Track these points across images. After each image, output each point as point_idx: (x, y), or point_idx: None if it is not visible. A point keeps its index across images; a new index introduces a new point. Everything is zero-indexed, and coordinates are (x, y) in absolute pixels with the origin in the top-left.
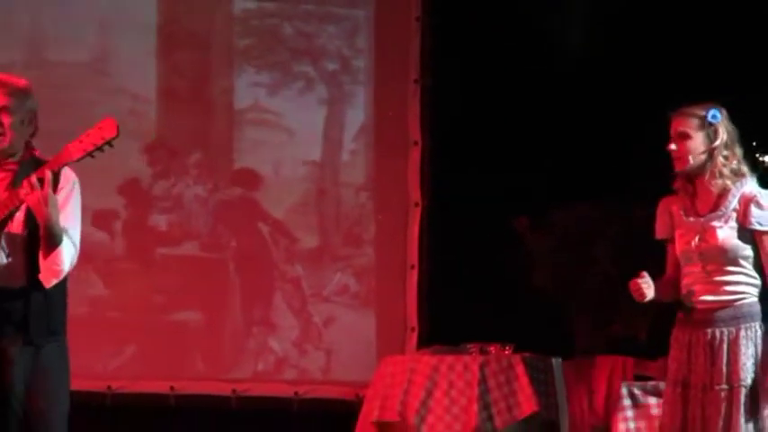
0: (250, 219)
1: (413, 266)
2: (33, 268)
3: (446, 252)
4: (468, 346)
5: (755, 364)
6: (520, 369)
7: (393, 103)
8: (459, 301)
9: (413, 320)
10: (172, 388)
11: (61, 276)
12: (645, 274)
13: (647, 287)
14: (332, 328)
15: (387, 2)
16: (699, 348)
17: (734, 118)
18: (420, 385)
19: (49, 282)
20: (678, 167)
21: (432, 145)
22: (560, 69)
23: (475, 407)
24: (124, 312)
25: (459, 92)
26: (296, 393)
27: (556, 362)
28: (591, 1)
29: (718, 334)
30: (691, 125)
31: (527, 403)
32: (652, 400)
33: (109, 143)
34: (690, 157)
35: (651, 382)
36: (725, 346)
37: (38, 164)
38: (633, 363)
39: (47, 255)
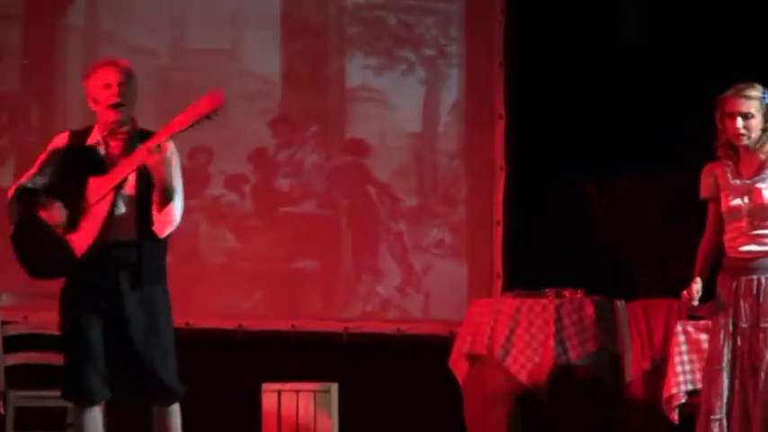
0: (360, 182)
1: (498, 222)
2: (144, 223)
3: (526, 210)
4: (546, 290)
5: None
6: (590, 310)
7: (481, 82)
8: (538, 251)
9: (498, 268)
10: (293, 326)
11: (175, 226)
12: (695, 289)
13: (695, 298)
14: (429, 275)
15: None
16: (746, 292)
17: None
18: (504, 324)
19: (164, 231)
20: (741, 142)
21: (514, 118)
22: (622, 52)
23: (551, 342)
24: (253, 262)
25: (537, 72)
26: (398, 330)
27: (620, 304)
28: None
29: (764, 280)
30: (753, 106)
31: (596, 339)
32: (702, 336)
33: (215, 113)
34: (753, 134)
35: (702, 321)
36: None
37: (142, 133)
38: (687, 304)
39: (161, 209)
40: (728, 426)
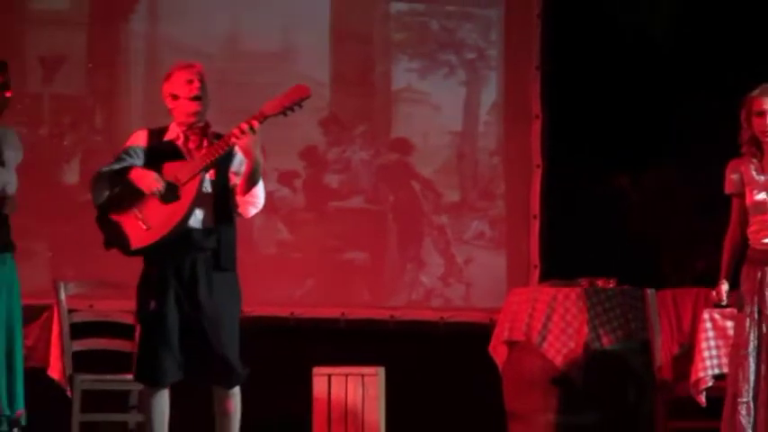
0: (404, 178)
1: (535, 216)
2: (222, 210)
3: (561, 204)
4: (580, 280)
5: None
6: (621, 298)
7: (518, 84)
8: (572, 243)
9: (535, 259)
10: (342, 313)
11: (260, 207)
12: (723, 290)
13: (724, 300)
14: (470, 266)
15: (513, 3)
16: None
17: None
18: (541, 311)
19: (249, 212)
20: (767, 138)
21: (549, 118)
22: (651, 54)
23: (585, 328)
24: (304, 253)
25: (571, 75)
26: (441, 318)
27: (650, 292)
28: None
29: None
30: None
31: (627, 326)
32: (728, 323)
33: (301, 102)
34: None
35: (727, 309)
36: None
37: (216, 134)
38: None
39: (247, 191)
40: (755, 408)
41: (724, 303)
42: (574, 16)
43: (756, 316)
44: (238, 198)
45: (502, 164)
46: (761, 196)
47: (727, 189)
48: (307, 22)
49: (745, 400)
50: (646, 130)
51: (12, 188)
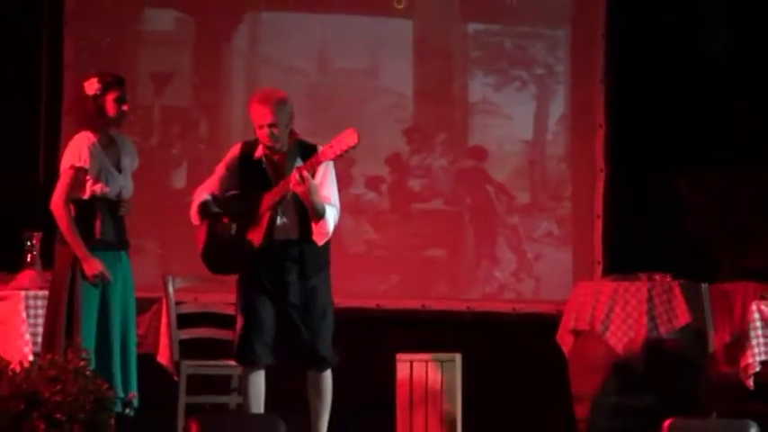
0: (480, 182)
1: (598, 216)
2: (304, 225)
3: (623, 206)
4: (639, 274)
5: None
6: (677, 291)
7: (584, 97)
8: (633, 241)
9: (599, 256)
10: (423, 305)
11: (329, 236)
12: None
13: None
14: (540, 262)
15: (579, 24)
16: None
17: None
18: (604, 303)
19: (321, 240)
20: None
21: (612, 127)
22: (707, 66)
23: (644, 319)
24: (389, 250)
25: (632, 88)
26: (513, 309)
27: (704, 286)
28: (727, 16)
29: None
30: None
31: (683, 316)
32: None
33: (352, 148)
34: None
35: None
36: None
37: (301, 146)
38: (761, 287)
39: (317, 223)
40: None
41: None
42: (635, 34)
43: None
44: (312, 226)
45: (568, 169)
46: None
47: None
48: (392, 40)
49: None
50: (702, 137)
51: (127, 192)
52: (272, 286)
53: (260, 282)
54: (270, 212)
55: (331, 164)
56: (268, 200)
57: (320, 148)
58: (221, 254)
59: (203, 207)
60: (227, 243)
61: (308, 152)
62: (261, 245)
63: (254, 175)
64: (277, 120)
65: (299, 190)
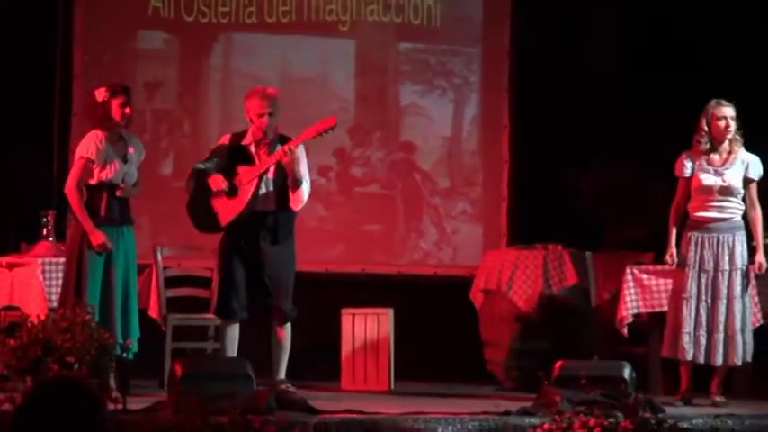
0: (409, 171)
1: (504, 198)
2: (281, 199)
3: (524, 189)
4: (536, 244)
5: (746, 255)
6: (567, 258)
7: (492, 102)
8: (531, 218)
9: (504, 230)
10: (362, 269)
11: (304, 203)
12: (675, 255)
13: (676, 260)
14: (457, 235)
15: (489, 43)
16: (708, 244)
17: None
18: (508, 268)
19: (296, 207)
20: (726, 136)
21: (515, 127)
22: (592, 78)
23: (540, 280)
24: (336, 225)
25: (531, 95)
26: (435, 273)
27: (588, 254)
28: (610, 37)
29: (722, 237)
30: (734, 114)
31: (571, 277)
32: (644, 276)
33: (331, 129)
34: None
35: (644, 266)
36: (728, 244)
37: (281, 137)
38: (634, 254)
39: (294, 192)
40: (695, 336)
41: (674, 262)
42: (534, 51)
43: (697, 269)
44: (290, 195)
45: (480, 160)
46: (709, 181)
47: (681, 173)
48: (338, 56)
49: (686, 330)
50: (586, 133)
51: (130, 178)
52: (248, 251)
53: (238, 247)
54: (255, 182)
55: (303, 151)
56: (252, 171)
57: (303, 130)
58: (208, 216)
59: (196, 168)
60: (210, 200)
61: (286, 142)
62: (239, 213)
63: (241, 158)
64: (274, 110)
65: (285, 160)
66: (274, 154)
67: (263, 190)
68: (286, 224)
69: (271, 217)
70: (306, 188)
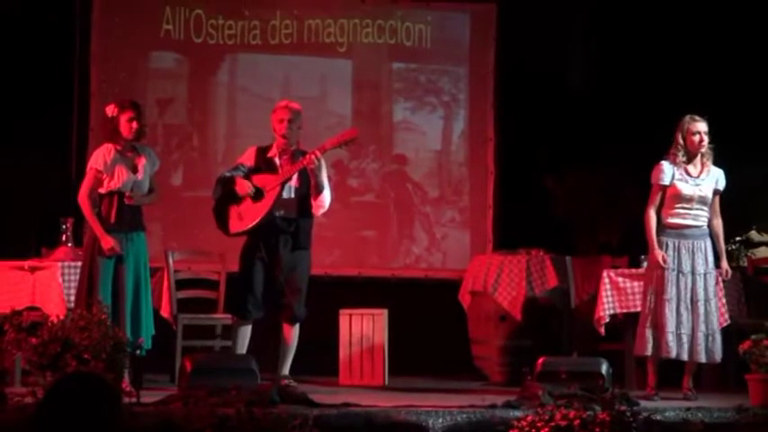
0: (402, 181)
1: (489, 206)
2: (302, 206)
3: (508, 198)
4: (520, 249)
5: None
6: (548, 262)
7: (479, 118)
8: (515, 225)
9: (490, 236)
10: (359, 272)
11: (325, 208)
12: (664, 260)
13: (666, 264)
14: (446, 240)
15: (475, 63)
16: (685, 248)
17: None
18: (494, 271)
19: (318, 212)
20: (701, 149)
21: (499, 140)
22: (570, 95)
23: (524, 282)
24: (334, 231)
25: (514, 111)
26: (426, 276)
27: (568, 258)
28: (585, 57)
29: (696, 243)
30: (707, 129)
31: (552, 280)
32: (620, 279)
33: (352, 141)
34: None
35: (620, 270)
36: (701, 249)
37: (302, 152)
38: (610, 258)
39: (317, 197)
40: (677, 335)
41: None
42: (516, 71)
43: (675, 272)
44: (312, 201)
45: (467, 171)
46: (688, 191)
47: (660, 181)
48: (336, 75)
49: (669, 330)
50: (563, 146)
51: (140, 188)
52: (267, 255)
53: (258, 250)
54: (278, 189)
55: (324, 162)
56: (275, 179)
57: (326, 140)
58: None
59: (223, 176)
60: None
61: (306, 155)
62: (262, 218)
63: (266, 168)
64: (294, 118)
65: (311, 167)
66: (298, 162)
67: (285, 196)
68: (306, 231)
69: (292, 223)
70: (327, 194)
